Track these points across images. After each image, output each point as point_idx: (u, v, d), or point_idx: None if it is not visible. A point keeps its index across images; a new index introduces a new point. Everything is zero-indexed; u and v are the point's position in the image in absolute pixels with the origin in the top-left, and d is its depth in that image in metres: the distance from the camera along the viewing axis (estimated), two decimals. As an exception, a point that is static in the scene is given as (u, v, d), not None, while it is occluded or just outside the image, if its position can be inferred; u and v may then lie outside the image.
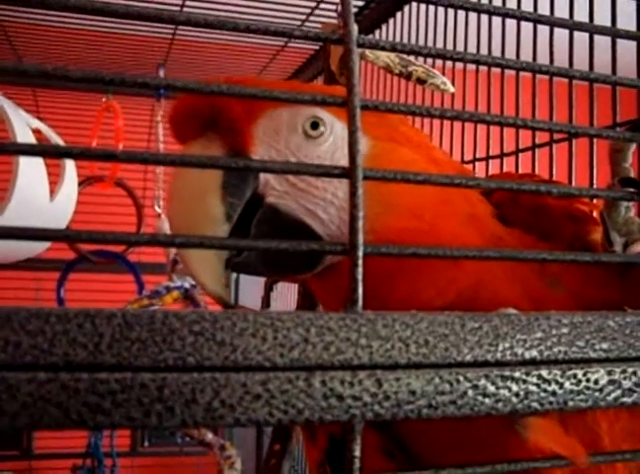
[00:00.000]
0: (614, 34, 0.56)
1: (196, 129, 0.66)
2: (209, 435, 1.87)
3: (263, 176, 0.66)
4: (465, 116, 0.43)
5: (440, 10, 1.32)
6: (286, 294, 2.14)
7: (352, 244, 0.37)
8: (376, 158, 0.67)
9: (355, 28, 0.41)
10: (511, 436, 0.52)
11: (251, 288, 2.20)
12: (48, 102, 2.46)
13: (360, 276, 0.37)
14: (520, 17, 0.49)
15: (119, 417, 0.33)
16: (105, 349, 0.33)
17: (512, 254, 0.43)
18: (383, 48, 0.43)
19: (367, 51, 1.01)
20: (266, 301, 2.31)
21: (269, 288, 2.25)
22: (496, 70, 1.15)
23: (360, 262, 0.37)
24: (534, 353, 0.40)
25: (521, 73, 1.08)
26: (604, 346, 0.42)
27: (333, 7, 1.54)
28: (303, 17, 1.77)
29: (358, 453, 0.37)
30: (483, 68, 1.19)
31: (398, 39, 1.39)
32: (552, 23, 0.49)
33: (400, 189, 0.65)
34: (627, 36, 0.53)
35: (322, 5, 1.64)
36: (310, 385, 0.35)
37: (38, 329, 0.33)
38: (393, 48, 0.43)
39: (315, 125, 0.67)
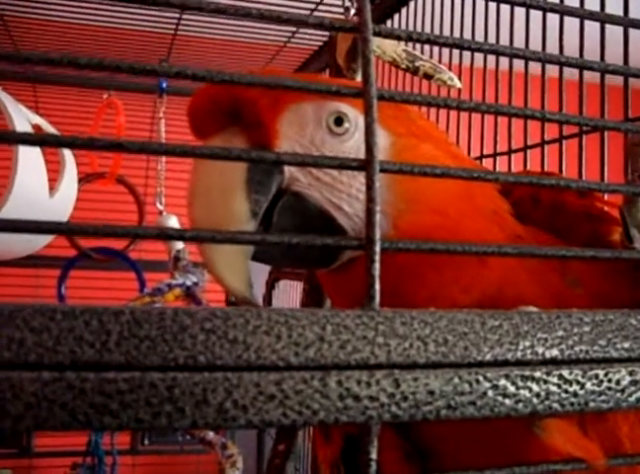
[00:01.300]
0: (628, 23, 0.55)
1: (217, 123, 0.64)
2: (211, 434, 1.86)
3: (288, 170, 0.64)
4: (483, 107, 0.42)
5: (447, 4, 1.31)
6: (289, 292, 2.12)
7: (368, 239, 0.36)
8: (399, 154, 0.66)
9: (370, 16, 0.40)
10: (528, 438, 0.51)
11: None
12: (49, 98, 2.45)
13: (376, 273, 0.36)
14: (529, 5, 0.47)
15: (127, 418, 0.32)
16: (112, 347, 0.32)
17: (531, 250, 0.42)
18: (399, 37, 0.42)
19: (374, 46, 0.99)
20: (267, 300, 2.30)
21: (270, 286, 2.24)
22: (504, 68, 1.14)
23: (377, 257, 0.36)
24: (555, 352, 0.39)
25: (530, 71, 1.06)
26: (626, 345, 0.41)
27: (337, 2, 1.53)
28: (307, 12, 1.76)
29: (374, 456, 0.35)
30: (491, 66, 1.18)
31: (411, 26, 1.37)
32: (563, 11, 0.48)
33: (423, 185, 0.64)
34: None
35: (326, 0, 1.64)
36: (326, 385, 0.34)
37: (43, 326, 0.31)
38: (409, 37, 0.42)
39: (340, 121, 0.65)
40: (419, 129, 0.69)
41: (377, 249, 0.36)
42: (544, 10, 0.68)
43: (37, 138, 0.37)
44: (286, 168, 0.64)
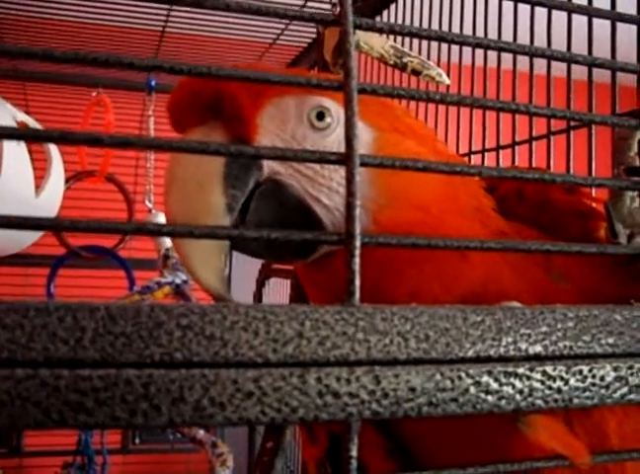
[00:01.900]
0: (616, 17, 0.54)
1: (197, 117, 0.64)
2: (201, 433, 1.86)
3: (267, 166, 0.63)
4: (467, 100, 0.41)
5: (435, 1, 1.30)
6: (279, 290, 2.12)
7: (348, 233, 0.36)
8: (381, 150, 0.65)
9: (351, 9, 0.39)
10: (512, 434, 0.50)
11: (243, 284, 2.18)
12: (38, 96, 2.43)
13: (356, 268, 0.35)
14: None
15: (102, 416, 0.31)
16: (87, 344, 0.31)
17: (515, 245, 0.41)
18: (381, 30, 0.41)
19: (362, 42, 0.99)
20: (258, 297, 2.29)
21: (261, 284, 2.24)
22: (492, 65, 1.13)
23: (357, 252, 0.35)
24: (539, 348, 0.38)
25: (518, 69, 1.06)
26: (611, 340, 0.40)
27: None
28: (296, 9, 1.75)
29: (354, 453, 0.35)
30: (479, 63, 1.17)
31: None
32: (551, 5, 0.48)
33: (405, 182, 0.64)
34: (630, 19, 0.51)
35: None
36: (305, 382, 0.33)
37: (15, 323, 0.31)
38: (391, 30, 0.41)
39: (321, 116, 0.65)
40: (404, 126, 0.69)
41: (357, 244, 0.36)
42: (532, 4, 0.68)
43: (15, 133, 0.37)
44: (265, 163, 0.63)
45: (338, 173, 0.64)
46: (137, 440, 2.88)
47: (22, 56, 0.35)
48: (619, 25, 0.86)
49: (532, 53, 0.46)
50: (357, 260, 0.35)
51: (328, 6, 1.48)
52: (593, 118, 0.44)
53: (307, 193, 0.63)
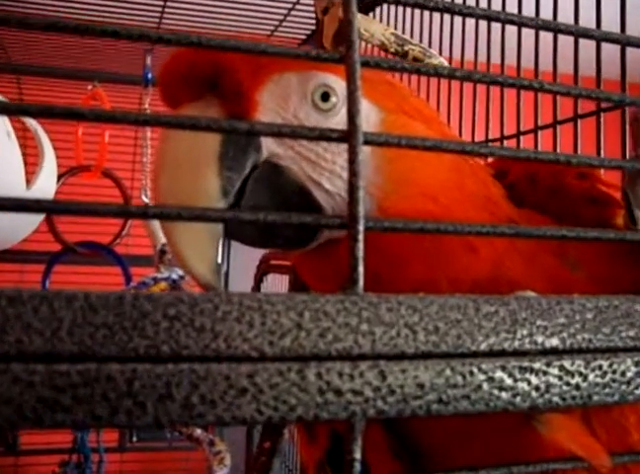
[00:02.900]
0: None
1: (192, 91, 0.60)
2: (198, 431, 1.83)
3: (265, 147, 0.59)
4: (477, 76, 0.38)
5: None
6: (278, 286, 2.09)
7: (351, 217, 0.33)
8: (389, 131, 0.62)
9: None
10: (527, 433, 0.47)
11: (240, 280, 2.16)
12: (32, 90, 2.41)
13: (360, 254, 0.32)
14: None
15: (81, 414, 0.28)
16: (64, 336, 0.29)
17: (528, 230, 0.38)
18: (386, 1, 0.38)
19: (362, 29, 0.96)
20: (256, 289, 2.26)
21: (259, 280, 2.21)
22: (495, 61, 1.10)
23: (361, 237, 0.33)
24: (556, 341, 0.36)
25: (522, 64, 1.03)
26: (632, 333, 0.38)
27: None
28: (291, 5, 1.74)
29: (358, 455, 0.32)
30: (482, 59, 1.14)
31: (400, 15, 1.33)
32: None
33: (413, 167, 0.61)
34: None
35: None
36: (304, 378, 0.30)
37: (-15, 313, 0.28)
38: (396, 1, 0.38)
39: (326, 96, 0.61)
40: (411, 108, 0.66)
41: (361, 228, 0.33)
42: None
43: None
44: (264, 144, 0.59)
45: (341, 156, 0.60)
46: (134, 439, 2.85)
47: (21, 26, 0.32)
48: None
49: (540, 26, 0.43)
50: (360, 245, 0.32)
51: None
52: (623, 99, 0.41)
53: (308, 176, 0.60)
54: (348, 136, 0.33)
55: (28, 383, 0.28)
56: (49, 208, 0.31)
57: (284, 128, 0.33)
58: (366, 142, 0.34)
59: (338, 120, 0.62)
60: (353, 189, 0.33)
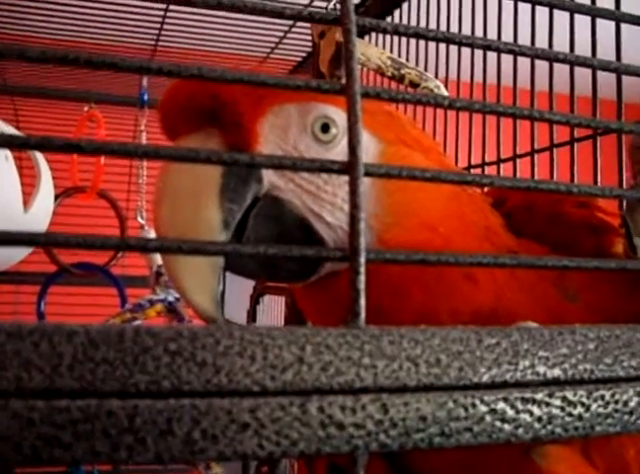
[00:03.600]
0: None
1: (191, 123, 0.59)
2: (194, 454, 1.81)
3: (267, 179, 0.59)
4: (476, 106, 0.39)
5: (443, 5, 1.25)
6: (274, 308, 2.08)
7: (352, 249, 0.33)
8: (388, 162, 0.62)
9: (352, 7, 0.37)
10: (527, 466, 0.47)
11: (237, 301, 2.15)
12: (28, 111, 2.41)
13: (361, 286, 0.32)
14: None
15: (81, 451, 0.28)
16: (65, 371, 0.28)
17: (530, 261, 0.38)
18: (385, 31, 0.39)
19: (359, 53, 0.97)
20: (251, 315, 2.25)
21: (255, 301, 2.20)
22: (492, 82, 1.11)
23: (362, 269, 0.32)
24: (558, 371, 0.36)
25: (519, 85, 1.03)
26: (634, 363, 0.37)
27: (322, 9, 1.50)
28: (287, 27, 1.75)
29: (361, 490, 0.32)
30: (478, 79, 1.15)
31: (396, 39, 1.34)
32: (574, 10, 0.45)
33: (412, 199, 0.61)
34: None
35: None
36: (306, 412, 0.30)
37: (-16, 348, 0.28)
38: (395, 31, 0.39)
39: (326, 128, 0.61)
40: (410, 138, 0.66)
41: (362, 260, 0.33)
42: (551, 6, 0.65)
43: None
44: (265, 176, 0.59)
45: (342, 189, 0.60)
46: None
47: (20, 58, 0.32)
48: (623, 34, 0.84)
49: (538, 56, 0.44)
50: (362, 278, 0.32)
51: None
52: (609, 125, 0.41)
53: (309, 209, 0.60)
54: (349, 168, 0.33)
55: (27, 420, 0.28)
56: (46, 242, 0.31)
57: (285, 161, 0.33)
58: (367, 174, 0.34)
59: (338, 152, 0.61)
60: (354, 220, 0.33)
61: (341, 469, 0.69)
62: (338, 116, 0.61)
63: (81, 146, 0.30)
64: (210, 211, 0.56)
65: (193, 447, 0.29)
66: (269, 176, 0.59)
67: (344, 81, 0.35)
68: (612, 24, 0.85)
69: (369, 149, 0.62)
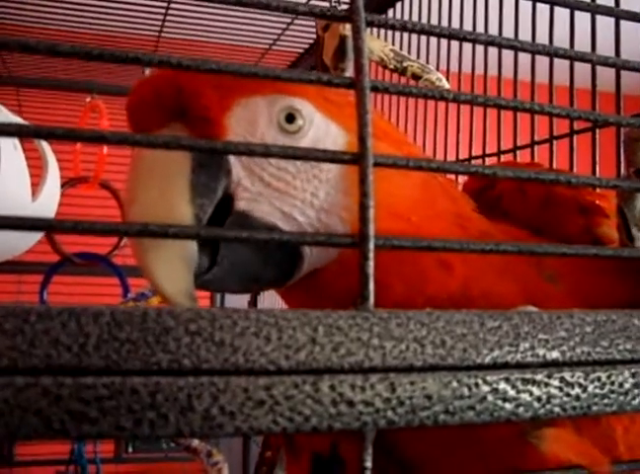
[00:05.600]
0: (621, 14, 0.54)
1: (158, 119, 0.58)
2: (196, 441, 1.83)
3: (235, 173, 0.59)
4: (480, 99, 0.40)
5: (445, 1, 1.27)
6: (275, 298, 2.10)
7: (362, 236, 0.34)
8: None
9: (362, 4, 0.38)
10: (524, 448, 0.49)
11: (237, 296, 2.17)
12: (31, 102, 2.42)
13: (370, 271, 0.34)
14: None
15: (107, 426, 0.30)
16: (91, 350, 0.30)
17: (530, 248, 0.40)
18: (393, 27, 0.40)
19: (362, 45, 0.98)
20: (252, 304, 2.27)
21: (256, 293, 2.22)
22: (492, 73, 1.12)
23: (372, 255, 0.34)
24: (556, 353, 0.37)
25: (519, 77, 1.05)
26: (629, 346, 0.39)
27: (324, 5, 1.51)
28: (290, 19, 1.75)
29: (369, 464, 0.33)
30: (479, 72, 1.16)
31: (397, 34, 1.35)
32: (574, 7, 0.47)
33: (383, 189, 0.61)
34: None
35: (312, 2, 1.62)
36: (318, 390, 0.32)
37: (16, 328, 0.29)
38: (403, 27, 0.40)
39: (291, 118, 0.60)
40: (379, 130, 0.65)
41: (371, 246, 0.34)
42: (552, 4, 0.67)
43: (10, 129, 0.35)
44: (234, 170, 0.59)
45: (311, 183, 0.60)
46: (131, 449, 2.85)
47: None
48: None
49: (539, 51, 0.45)
50: (371, 263, 0.34)
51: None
52: (607, 119, 0.43)
53: (279, 211, 0.59)
54: (359, 158, 0.35)
55: (56, 396, 0.29)
56: (46, 226, 0.32)
57: (288, 151, 0.35)
58: (376, 164, 0.36)
59: (305, 143, 0.61)
60: (363, 208, 0.35)
61: (324, 461, 0.69)
62: (304, 106, 0.61)
63: (106, 137, 0.32)
64: (183, 206, 0.56)
65: (211, 423, 0.31)
66: (237, 169, 0.59)
67: (348, 74, 0.37)
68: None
69: (337, 140, 0.62)
